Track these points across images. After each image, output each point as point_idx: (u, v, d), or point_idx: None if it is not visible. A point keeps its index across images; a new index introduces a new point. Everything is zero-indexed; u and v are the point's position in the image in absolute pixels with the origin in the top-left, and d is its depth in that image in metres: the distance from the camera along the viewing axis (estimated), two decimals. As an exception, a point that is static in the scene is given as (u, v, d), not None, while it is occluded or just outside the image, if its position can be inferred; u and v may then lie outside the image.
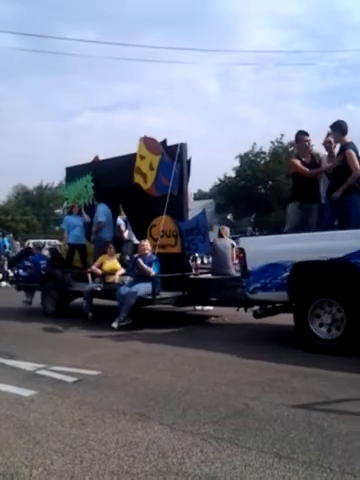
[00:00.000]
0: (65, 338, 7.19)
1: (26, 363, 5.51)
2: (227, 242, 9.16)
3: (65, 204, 11.49)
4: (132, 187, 8.95)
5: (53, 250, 11.30)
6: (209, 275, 9.22)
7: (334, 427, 3.47)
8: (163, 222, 8.51)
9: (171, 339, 6.70)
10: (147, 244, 8.23)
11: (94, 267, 8.68)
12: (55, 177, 76.77)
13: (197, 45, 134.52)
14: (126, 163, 9.09)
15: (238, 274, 7.90)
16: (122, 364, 5.54)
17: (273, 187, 53.39)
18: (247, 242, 6.87)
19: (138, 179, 8.94)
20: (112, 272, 8.46)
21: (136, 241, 9.58)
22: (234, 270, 8.67)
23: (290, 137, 58.87)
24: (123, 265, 8.76)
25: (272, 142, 57.22)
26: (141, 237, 9.02)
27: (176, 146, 8.54)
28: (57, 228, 66.08)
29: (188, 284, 8.23)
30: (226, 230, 9.44)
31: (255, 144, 52.86)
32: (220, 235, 9.27)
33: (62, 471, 2.90)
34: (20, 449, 3.23)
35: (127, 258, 8.99)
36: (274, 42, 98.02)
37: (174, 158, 8.44)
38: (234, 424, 3.56)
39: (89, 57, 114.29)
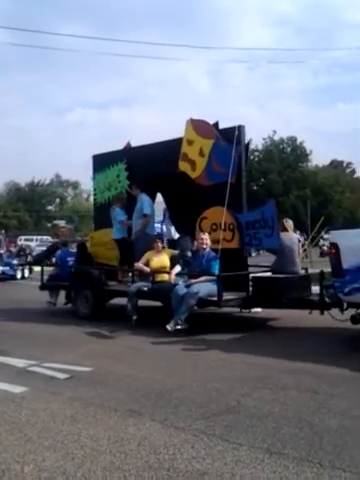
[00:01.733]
0: (58, 335, 7.17)
1: (18, 359, 5.49)
2: (293, 236, 7.97)
3: (94, 195, 10.40)
4: (174, 176, 8.11)
5: (81, 245, 10.16)
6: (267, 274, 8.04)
7: (324, 423, 3.50)
8: (217, 214, 7.55)
9: (164, 337, 6.70)
10: (206, 238, 7.33)
11: (140, 264, 7.75)
12: (47, 174, 76.89)
13: (190, 42, 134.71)
14: (166, 149, 8.31)
15: (303, 272, 7.78)
16: (115, 361, 5.54)
17: (265, 184, 53.66)
18: (342, 236, 5.98)
19: (184, 166, 8.01)
20: (161, 270, 7.66)
21: (175, 235, 8.98)
22: (301, 268, 7.84)
23: (281, 134, 59.55)
24: (185, 262, 7.67)
25: (264, 139, 57.36)
26: (185, 231, 8.38)
27: (233, 128, 7.55)
28: (49, 225, 66.05)
29: (255, 284, 7.30)
30: (290, 223, 8.05)
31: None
32: (284, 228, 7.87)
33: (54, 467, 2.91)
34: (11, 445, 3.23)
35: (189, 254, 7.73)
36: (267, 40, 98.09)
37: (230, 142, 7.47)
38: (225, 420, 3.59)
39: (81, 52, 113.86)
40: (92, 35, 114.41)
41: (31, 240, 38.15)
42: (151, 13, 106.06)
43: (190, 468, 2.86)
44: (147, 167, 8.55)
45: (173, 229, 9.02)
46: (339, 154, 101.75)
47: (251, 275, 7.55)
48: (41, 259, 11.42)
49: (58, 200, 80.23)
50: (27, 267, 17.96)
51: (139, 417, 3.69)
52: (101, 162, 9.88)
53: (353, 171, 64.92)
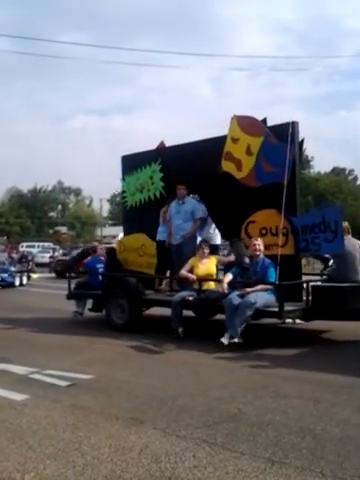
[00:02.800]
0: (59, 342, 7.15)
1: (19, 367, 5.48)
2: (354, 241, 7.17)
3: (123, 199, 9.71)
4: (215, 176, 7.55)
5: (110, 251, 9.49)
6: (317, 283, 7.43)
7: (327, 432, 3.48)
8: (268, 217, 7.06)
9: (162, 343, 6.69)
10: (259, 244, 6.73)
11: (184, 272, 7.13)
12: (49, 180, 77.17)
13: (191, 50, 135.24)
14: (206, 149, 7.79)
15: None
16: (115, 368, 5.53)
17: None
18: None
19: (228, 166, 7.38)
20: (208, 278, 7.08)
21: (218, 241, 8.47)
22: None
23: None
24: (242, 269, 6.87)
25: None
26: (228, 236, 7.85)
27: (285, 125, 6.93)
28: (51, 231, 66.21)
29: (316, 293, 6.67)
30: (347, 226, 7.17)
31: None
32: (347, 232, 7.06)
33: (55, 476, 2.89)
34: (13, 453, 3.22)
35: (247, 260, 6.87)
36: (268, 47, 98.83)
37: (280, 139, 6.87)
38: (227, 429, 3.57)
39: (83, 60, 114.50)
40: (94, 43, 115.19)
41: (33, 246, 38.18)
42: (153, 21, 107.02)
43: (191, 477, 2.84)
44: (184, 168, 8.02)
45: (214, 234, 8.20)
46: (341, 161, 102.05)
47: (311, 284, 6.89)
48: (69, 267, 10.49)
49: (60, 207, 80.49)
50: (25, 274, 17.84)
51: (140, 425, 3.68)
52: (131, 163, 9.29)
53: (355, 178, 64.99)
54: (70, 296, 9.17)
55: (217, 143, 7.54)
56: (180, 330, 6.77)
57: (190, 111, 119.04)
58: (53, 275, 22.26)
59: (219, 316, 7.51)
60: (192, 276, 7.00)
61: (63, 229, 66.81)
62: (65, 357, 6.06)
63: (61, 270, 10.59)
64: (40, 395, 4.48)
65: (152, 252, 8.51)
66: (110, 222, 77.35)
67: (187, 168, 7.97)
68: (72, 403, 4.23)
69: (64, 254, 29.33)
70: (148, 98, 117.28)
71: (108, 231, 65.45)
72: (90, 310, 8.98)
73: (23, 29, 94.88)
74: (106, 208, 78.20)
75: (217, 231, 8.22)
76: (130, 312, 7.84)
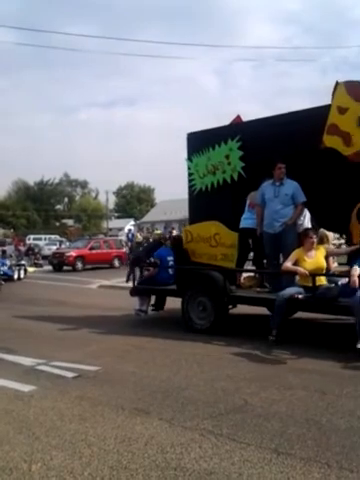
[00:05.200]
0: (65, 333, 7.20)
1: (26, 358, 5.52)
2: None
3: (190, 182, 8.39)
4: (313, 154, 6.53)
5: (176, 239, 8.45)
6: None
7: (332, 423, 3.49)
8: None
9: (171, 335, 6.71)
10: None
11: (290, 264, 6.09)
12: (56, 173, 77.28)
13: (197, 41, 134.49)
14: (301, 121, 6.65)
15: None
16: (122, 359, 5.55)
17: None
18: None
19: (332, 142, 6.36)
20: (317, 272, 5.98)
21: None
22: None
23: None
24: None
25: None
26: (327, 225, 6.71)
27: None
28: (57, 224, 66.36)
29: None
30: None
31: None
32: None
33: (61, 466, 2.92)
34: (19, 444, 3.25)
35: None
36: (274, 38, 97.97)
37: None
38: (232, 420, 3.58)
39: (88, 52, 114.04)
40: (99, 34, 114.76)
41: (40, 239, 38.31)
42: (158, 12, 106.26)
43: (197, 467, 2.86)
44: (271, 144, 6.87)
45: (307, 220, 6.80)
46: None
47: None
48: (141, 259, 9.25)
49: (66, 199, 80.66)
50: (23, 268, 17.85)
51: (146, 416, 3.70)
52: (200, 141, 8.07)
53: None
54: (134, 292, 8.07)
55: (316, 114, 6.54)
56: (274, 333, 5.82)
57: (196, 102, 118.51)
58: (50, 268, 22.12)
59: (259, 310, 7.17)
60: (303, 270, 5.92)
61: (69, 222, 66.97)
62: (72, 349, 6.09)
63: (132, 263, 9.15)
64: (47, 386, 4.51)
65: (229, 242, 7.42)
66: (116, 215, 77.52)
67: (275, 145, 6.84)
68: (79, 394, 4.25)
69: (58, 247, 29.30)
70: (153, 90, 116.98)
71: (114, 224, 65.69)
72: (153, 309, 8.19)
73: (29, 20, 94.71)
74: (112, 201, 78.47)
75: (308, 218, 6.83)
76: (215, 311, 6.79)
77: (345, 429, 3.37)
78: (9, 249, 23.20)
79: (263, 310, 7.00)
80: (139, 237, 23.83)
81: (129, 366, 5.22)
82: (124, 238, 29.01)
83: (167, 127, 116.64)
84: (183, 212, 53.13)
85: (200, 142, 8.07)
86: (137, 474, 2.80)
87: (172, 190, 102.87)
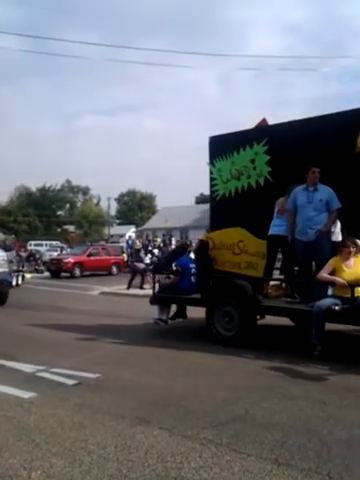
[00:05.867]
0: (66, 340, 7.18)
1: (26, 365, 5.51)
2: None
3: (212, 187, 8.10)
4: (348, 158, 6.28)
5: (202, 246, 7.96)
6: None
7: (333, 434, 3.47)
8: None
9: (171, 343, 6.69)
10: None
11: (326, 274, 5.81)
12: (58, 179, 77.43)
13: (199, 50, 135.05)
14: (334, 125, 6.45)
15: None
16: (122, 367, 5.54)
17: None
18: None
19: None
20: (357, 282, 5.66)
21: (340, 237, 6.57)
22: None
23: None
24: None
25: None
26: (358, 234, 6.22)
27: None
28: (59, 230, 66.50)
29: None
30: None
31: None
32: None
33: (61, 474, 2.91)
34: (19, 451, 3.24)
35: None
36: (277, 48, 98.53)
37: None
38: (233, 429, 3.57)
39: (91, 60, 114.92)
40: (101, 42, 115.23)
41: (41, 245, 38.33)
42: (161, 21, 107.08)
43: (197, 477, 2.84)
44: (301, 149, 6.64)
45: (338, 229, 6.57)
46: None
47: None
48: (164, 267, 8.76)
49: (68, 205, 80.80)
50: (21, 274, 17.82)
51: (147, 425, 3.68)
52: (224, 145, 7.79)
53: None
54: (155, 300, 7.72)
55: (349, 117, 6.32)
56: (318, 349, 5.51)
57: (198, 111, 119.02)
58: (47, 274, 22.07)
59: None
60: (342, 281, 5.66)
61: (71, 228, 67.06)
62: (72, 355, 6.08)
63: (155, 271, 8.52)
64: (47, 393, 4.50)
65: (254, 250, 7.13)
66: (118, 221, 77.56)
67: (305, 149, 6.63)
68: (79, 402, 4.24)
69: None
70: (156, 98, 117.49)
71: (116, 230, 65.70)
72: (172, 318, 7.93)
73: (32, 28, 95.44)
74: (114, 207, 78.51)
75: (339, 226, 6.58)
76: (242, 322, 6.45)
77: (346, 440, 3.36)
78: (10, 255, 23.19)
79: (273, 321, 6.94)
80: (138, 244, 23.86)
81: (130, 374, 5.21)
82: (124, 245, 29.06)
83: (169, 135, 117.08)
84: (184, 219, 53.35)
85: (223, 146, 7.80)
86: (137, 483, 2.79)
87: (173, 197, 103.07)
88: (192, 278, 7.56)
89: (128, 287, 15.09)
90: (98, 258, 22.38)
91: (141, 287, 15.13)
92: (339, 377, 4.94)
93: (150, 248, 22.98)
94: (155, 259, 18.40)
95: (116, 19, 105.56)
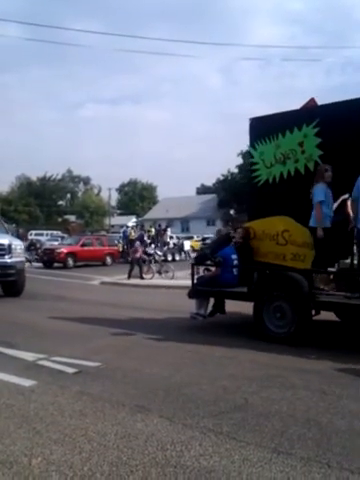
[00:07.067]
0: (67, 329, 7.20)
1: (27, 353, 5.52)
2: None
3: (254, 172, 7.40)
4: None
5: (244, 235, 7.38)
6: None
7: (333, 423, 3.48)
8: None
9: (173, 332, 6.71)
10: None
11: None
12: (59, 169, 77.38)
13: (202, 39, 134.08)
14: None
15: None
16: (123, 356, 5.55)
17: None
18: None
19: None
20: None
21: None
22: None
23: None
24: None
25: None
26: None
27: None
28: (59, 220, 66.48)
29: None
30: None
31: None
32: None
33: (61, 461, 2.92)
34: (20, 438, 3.25)
35: None
36: (280, 38, 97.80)
37: None
38: (233, 418, 3.58)
39: (94, 48, 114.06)
40: (105, 31, 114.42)
41: (41, 235, 38.32)
42: (164, 10, 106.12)
43: (197, 465, 2.85)
44: (356, 130, 6.12)
45: None
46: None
47: None
48: (206, 258, 8.10)
49: (69, 195, 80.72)
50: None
51: (147, 413, 3.69)
52: (267, 127, 7.17)
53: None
54: (194, 294, 7.27)
55: None
56: None
57: (201, 101, 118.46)
58: (40, 265, 21.96)
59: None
60: None
61: (72, 218, 67.02)
62: (73, 344, 6.09)
63: (196, 262, 7.82)
64: (48, 381, 4.51)
65: (301, 240, 6.57)
66: (118, 211, 77.52)
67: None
68: (79, 390, 4.26)
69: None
70: (158, 87, 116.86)
71: (116, 220, 65.67)
72: (209, 315, 7.40)
73: (35, 16, 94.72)
74: (115, 197, 78.48)
75: None
76: (297, 319, 6.01)
77: (346, 430, 3.37)
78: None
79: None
80: (133, 234, 23.85)
81: (130, 363, 5.22)
82: (120, 235, 28.99)
83: (171, 125, 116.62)
84: (185, 210, 53.32)
85: (267, 128, 7.16)
86: (137, 470, 2.80)
87: (174, 188, 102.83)
88: (234, 270, 7.10)
89: (128, 277, 15.12)
90: (92, 248, 22.05)
91: (141, 277, 15.16)
92: (339, 367, 4.94)
93: (145, 239, 22.91)
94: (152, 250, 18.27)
95: (120, 9, 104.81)
